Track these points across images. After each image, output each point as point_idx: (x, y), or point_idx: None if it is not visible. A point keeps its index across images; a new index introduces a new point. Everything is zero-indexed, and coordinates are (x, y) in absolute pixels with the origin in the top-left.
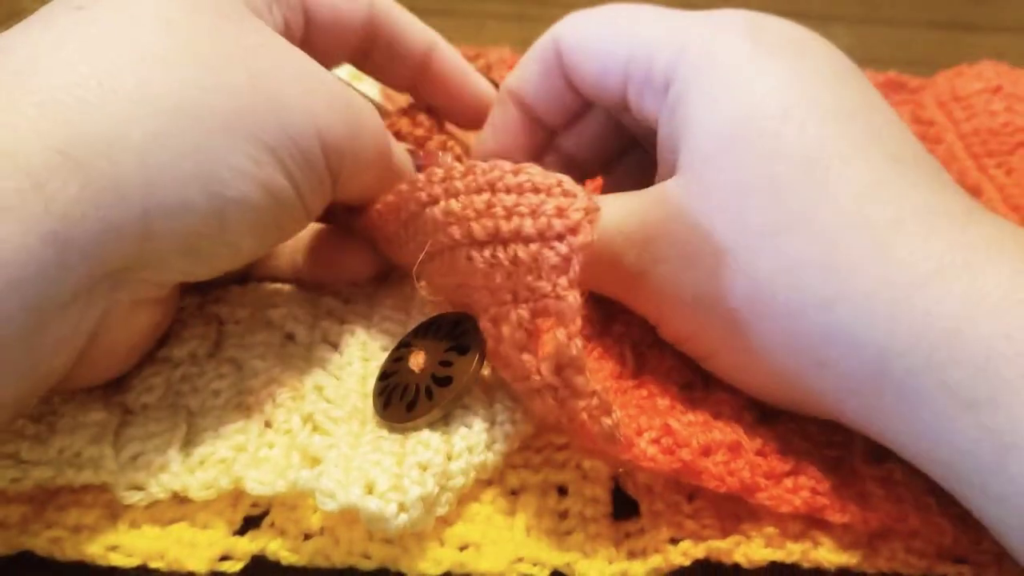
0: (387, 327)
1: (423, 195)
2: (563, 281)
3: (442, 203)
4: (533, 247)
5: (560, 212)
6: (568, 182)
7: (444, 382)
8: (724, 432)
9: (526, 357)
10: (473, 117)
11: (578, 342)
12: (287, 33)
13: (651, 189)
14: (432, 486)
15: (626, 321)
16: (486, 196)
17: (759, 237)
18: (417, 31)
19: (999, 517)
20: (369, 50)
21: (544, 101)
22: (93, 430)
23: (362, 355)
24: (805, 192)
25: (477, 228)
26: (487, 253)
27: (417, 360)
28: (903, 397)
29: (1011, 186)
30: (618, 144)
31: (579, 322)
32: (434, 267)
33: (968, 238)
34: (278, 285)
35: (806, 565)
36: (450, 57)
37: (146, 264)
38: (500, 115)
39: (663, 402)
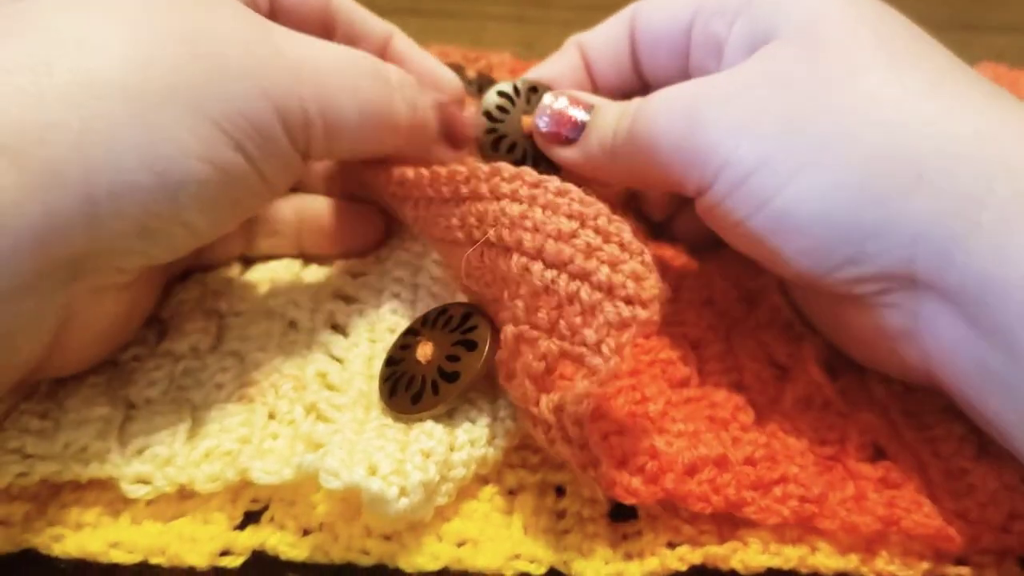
0: (395, 306)
1: (506, 187)
2: (611, 342)
3: (525, 205)
4: (597, 295)
5: (638, 278)
6: (648, 256)
7: (451, 378)
8: (711, 446)
9: (529, 385)
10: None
11: (591, 402)
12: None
13: (741, 64)
14: (434, 473)
15: None
16: (575, 225)
17: (870, 69)
18: (375, 20)
19: None
20: (331, 35)
21: (604, 60)
22: (98, 424)
23: (369, 336)
24: (914, 45)
25: (551, 247)
26: (549, 275)
27: (425, 351)
28: (1004, 218)
29: None
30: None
31: (605, 387)
32: (476, 256)
33: None
34: (279, 269)
35: (804, 571)
36: (409, 43)
37: (102, 250)
38: (562, 56)
39: (655, 407)
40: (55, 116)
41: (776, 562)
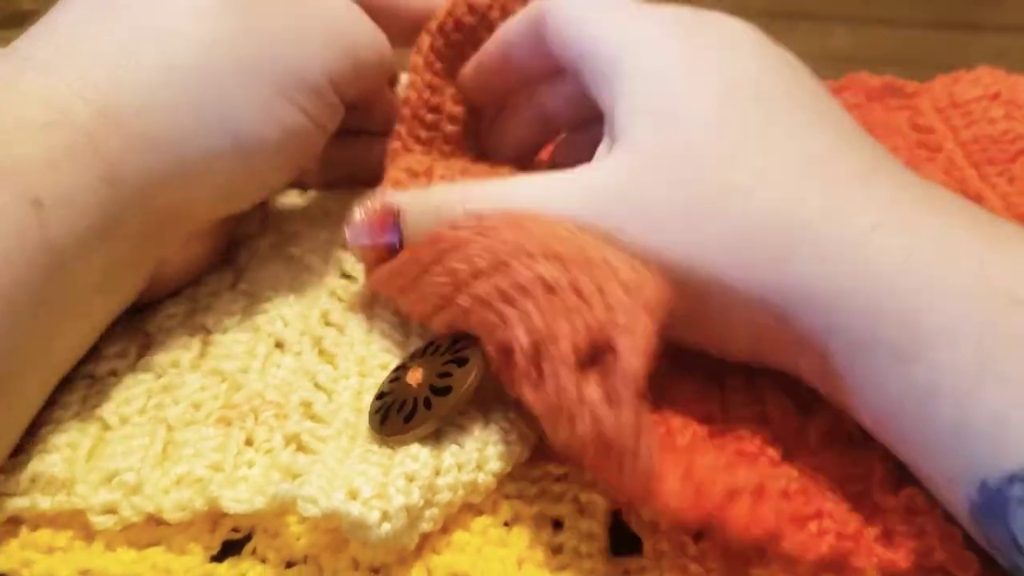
0: (386, 345)
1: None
2: (634, 303)
3: (532, 228)
4: (609, 271)
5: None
6: None
7: (443, 392)
8: (748, 476)
9: (564, 372)
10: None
11: (641, 358)
12: None
13: (603, 165)
14: (417, 497)
15: None
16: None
17: (712, 201)
18: None
19: (933, 470)
20: None
21: (526, 52)
22: (66, 452)
23: (359, 370)
24: (754, 160)
25: (561, 246)
26: (556, 266)
27: (415, 376)
28: (847, 351)
29: (1014, 194)
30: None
31: (650, 340)
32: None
33: (906, 194)
34: (268, 281)
35: None
36: None
37: (194, 206)
38: (487, 53)
39: (683, 440)
40: (148, 95)
41: None
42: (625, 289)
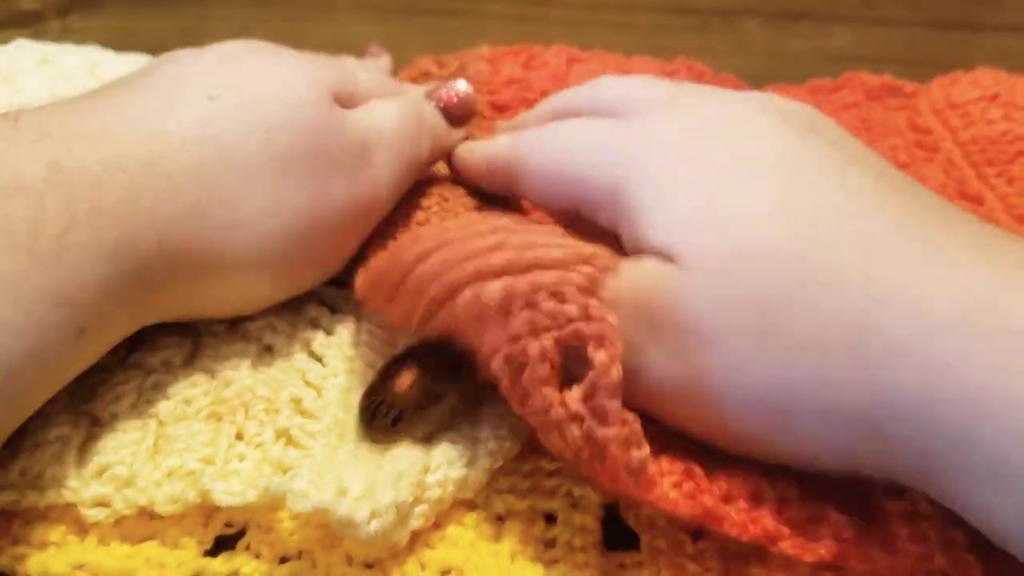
0: (375, 345)
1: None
2: (594, 301)
3: (457, 245)
4: (555, 272)
5: (579, 247)
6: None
7: (434, 400)
8: (746, 478)
9: (547, 390)
10: None
11: (619, 366)
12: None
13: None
14: (406, 494)
15: None
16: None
17: (775, 314)
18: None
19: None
20: None
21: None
22: (56, 447)
23: (347, 368)
24: (810, 257)
25: (495, 259)
26: (503, 283)
27: (407, 378)
28: (946, 456)
29: (1013, 195)
30: None
31: (620, 345)
32: (439, 322)
33: (974, 263)
34: None
35: None
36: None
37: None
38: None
39: (679, 447)
40: (213, 247)
41: None
42: (580, 288)
